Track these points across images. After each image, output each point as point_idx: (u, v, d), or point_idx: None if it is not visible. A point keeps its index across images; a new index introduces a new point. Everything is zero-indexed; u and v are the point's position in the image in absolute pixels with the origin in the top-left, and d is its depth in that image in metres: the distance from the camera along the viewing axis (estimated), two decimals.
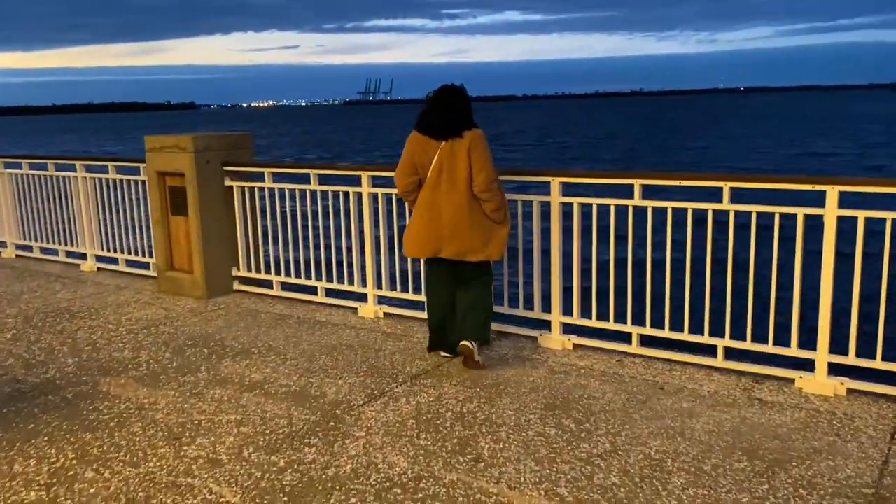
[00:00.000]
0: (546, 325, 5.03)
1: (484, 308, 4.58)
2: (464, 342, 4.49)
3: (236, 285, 6.55)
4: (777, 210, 4.15)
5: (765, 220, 4.23)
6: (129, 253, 7.26)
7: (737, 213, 4.27)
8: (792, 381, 4.20)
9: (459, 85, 4.43)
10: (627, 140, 52.32)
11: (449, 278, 4.61)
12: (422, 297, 5.49)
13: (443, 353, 4.78)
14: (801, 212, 4.09)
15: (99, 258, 7.61)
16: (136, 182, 6.97)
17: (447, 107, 4.39)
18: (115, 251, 7.40)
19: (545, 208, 4.86)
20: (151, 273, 7.02)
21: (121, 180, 7.11)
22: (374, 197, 5.65)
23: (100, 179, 7.34)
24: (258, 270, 6.45)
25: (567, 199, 4.82)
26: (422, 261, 4.82)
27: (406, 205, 4.92)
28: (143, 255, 7.14)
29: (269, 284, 6.39)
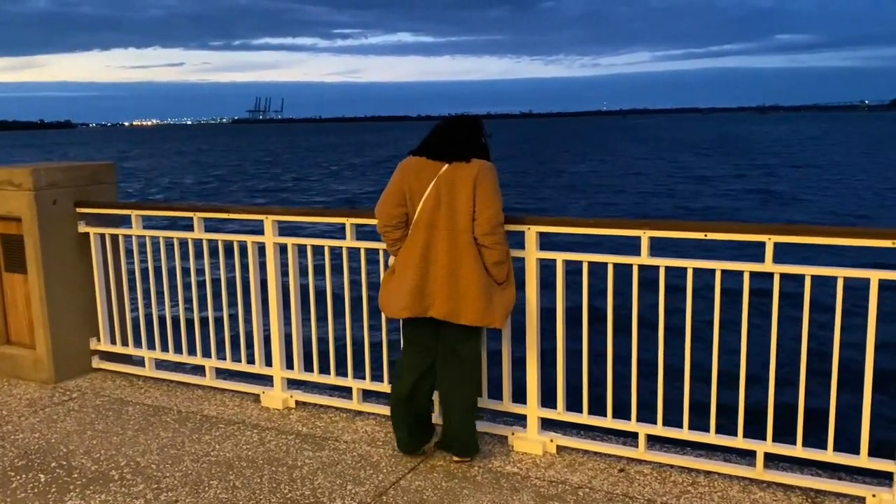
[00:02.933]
0: (519, 420, 3.81)
1: (474, 400, 3.64)
2: (458, 459, 3.61)
3: (96, 362, 5.00)
4: (841, 273, 3.08)
5: (819, 290, 3.17)
6: None
7: (783, 276, 3.20)
8: (862, 500, 3.13)
9: (473, 115, 3.64)
10: (520, 163, 52.12)
11: (433, 343, 3.58)
12: (347, 382, 4.19)
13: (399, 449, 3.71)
14: (875, 276, 3.03)
15: None
16: None
17: (452, 130, 3.53)
18: None
19: (518, 266, 3.64)
20: None
21: None
22: (282, 248, 4.29)
23: None
24: (125, 343, 4.91)
25: (547, 255, 3.62)
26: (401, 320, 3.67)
27: (385, 252, 3.83)
28: None
29: (140, 361, 4.88)
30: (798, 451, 3.25)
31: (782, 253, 3.21)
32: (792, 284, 3.20)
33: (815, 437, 3.23)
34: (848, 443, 3.17)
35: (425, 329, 3.56)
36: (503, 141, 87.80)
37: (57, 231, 4.75)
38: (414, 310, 3.46)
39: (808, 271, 3.14)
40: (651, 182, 35.35)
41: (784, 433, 3.28)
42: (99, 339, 4.97)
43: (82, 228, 4.84)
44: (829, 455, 3.19)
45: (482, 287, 3.42)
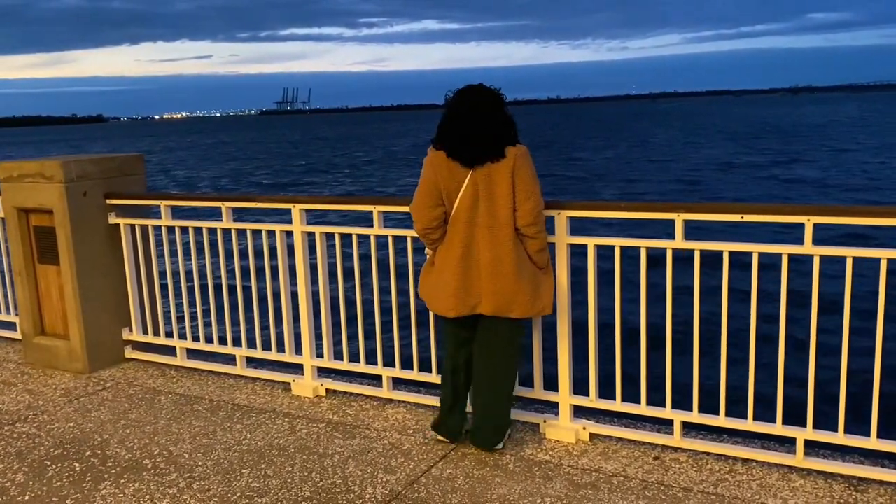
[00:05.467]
0: (551, 408, 3.76)
1: (509, 389, 3.59)
2: (485, 448, 3.54)
3: (129, 352, 5.04)
4: (885, 255, 2.98)
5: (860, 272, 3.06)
6: None
7: (823, 259, 3.10)
8: None
9: (494, 88, 3.39)
10: (547, 150, 51.69)
11: (471, 337, 3.52)
12: (377, 370, 4.16)
13: (439, 437, 3.65)
14: None
15: None
16: None
17: (483, 124, 3.29)
18: None
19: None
20: (18, 336, 5.41)
21: None
22: (310, 236, 4.28)
23: None
24: (157, 333, 4.95)
25: (578, 240, 3.55)
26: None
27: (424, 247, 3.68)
28: (8, 311, 5.55)
29: (172, 351, 4.90)
30: (840, 437, 3.15)
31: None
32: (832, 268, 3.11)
33: (857, 424, 3.14)
34: (893, 429, 3.08)
35: (468, 326, 3.52)
36: (530, 128, 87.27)
37: (88, 222, 4.78)
38: (460, 310, 3.42)
39: (850, 253, 3.03)
40: (682, 169, 34.85)
41: (824, 419, 3.20)
42: (131, 330, 5.01)
43: (112, 219, 4.87)
44: (872, 442, 3.10)
45: (529, 278, 3.38)
